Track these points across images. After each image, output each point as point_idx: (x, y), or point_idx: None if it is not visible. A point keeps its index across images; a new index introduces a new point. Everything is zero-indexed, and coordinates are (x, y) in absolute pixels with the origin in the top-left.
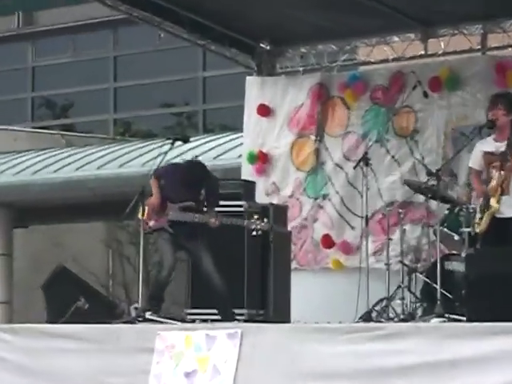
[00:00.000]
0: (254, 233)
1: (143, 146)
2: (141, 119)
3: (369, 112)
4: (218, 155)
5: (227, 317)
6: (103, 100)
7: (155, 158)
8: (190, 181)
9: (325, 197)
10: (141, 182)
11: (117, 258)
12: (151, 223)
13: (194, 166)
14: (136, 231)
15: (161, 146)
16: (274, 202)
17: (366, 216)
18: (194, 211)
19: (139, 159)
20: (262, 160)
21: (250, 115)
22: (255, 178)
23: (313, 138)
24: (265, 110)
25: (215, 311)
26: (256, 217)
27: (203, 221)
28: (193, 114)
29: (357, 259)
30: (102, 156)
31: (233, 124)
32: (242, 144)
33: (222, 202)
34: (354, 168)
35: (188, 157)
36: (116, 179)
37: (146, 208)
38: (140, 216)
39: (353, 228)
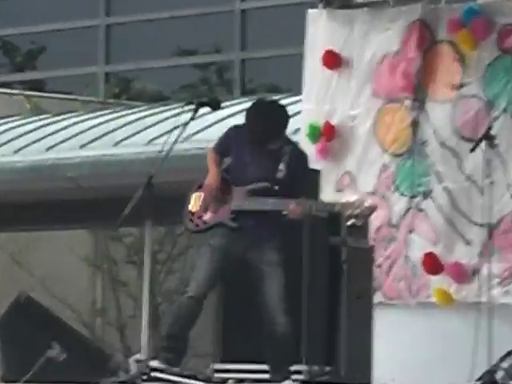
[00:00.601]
0: (350, 222)
1: (150, 115)
2: (146, 74)
3: (495, 65)
4: None
5: (278, 375)
6: (89, 44)
7: (168, 132)
8: (264, 143)
9: (426, 195)
10: (145, 169)
11: (109, 284)
12: (207, 216)
13: (270, 114)
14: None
15: (177, 115)
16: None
17: (490, 224)
18: (266, 195)
19: (143, 134)
20: (329, 136)
21: (312, 68)
22: (320, 164)
23: (409, 103)
24: (335, 61)
25: (257, 367)
26: (353, 203)
27: (278, 208)
28: (226, 66)
29: (474, 290)
30: (88, 129)
31: (285, 82)
32: (299, 113)
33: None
34: (472, 151)
35: (219, 131)
36: (108, 164)
37: (197, 196)
38: (190, 208)
39: (468, 242)
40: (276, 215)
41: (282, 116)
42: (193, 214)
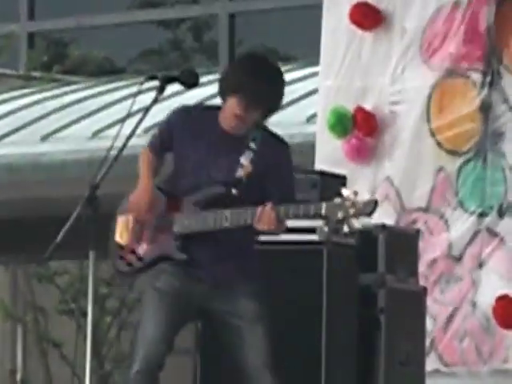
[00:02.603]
0: (346, 229)
1: (94, 95)
2: (89, 35)
3: None
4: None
5: None
6: None
7: (121, 120)
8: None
9: (502, 212)
10: (87, 174)
11: (34, 345)
12: (140, 249)
13: (276, 77)
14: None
15: (134, 96)
16: (389, 221)
17: None
18: (222, 204)
19: (85, 124)
20: (365, 128)
21: (334, 27)
22: (348, 167)
23: (477, 78)
24: (369, 16)
25: None
26: (349, 210)
27: (237, 222)
28: (206, 22)
29: None
30: (2, 116)
31: (292, 46)
32: (314, 92)
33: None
34: None
35: None
36: (33, 167)
37: (124, 222)
38: (117, 238)
39: None
40: (248, 237)
41: (283, 85)
42: (122, 247)
